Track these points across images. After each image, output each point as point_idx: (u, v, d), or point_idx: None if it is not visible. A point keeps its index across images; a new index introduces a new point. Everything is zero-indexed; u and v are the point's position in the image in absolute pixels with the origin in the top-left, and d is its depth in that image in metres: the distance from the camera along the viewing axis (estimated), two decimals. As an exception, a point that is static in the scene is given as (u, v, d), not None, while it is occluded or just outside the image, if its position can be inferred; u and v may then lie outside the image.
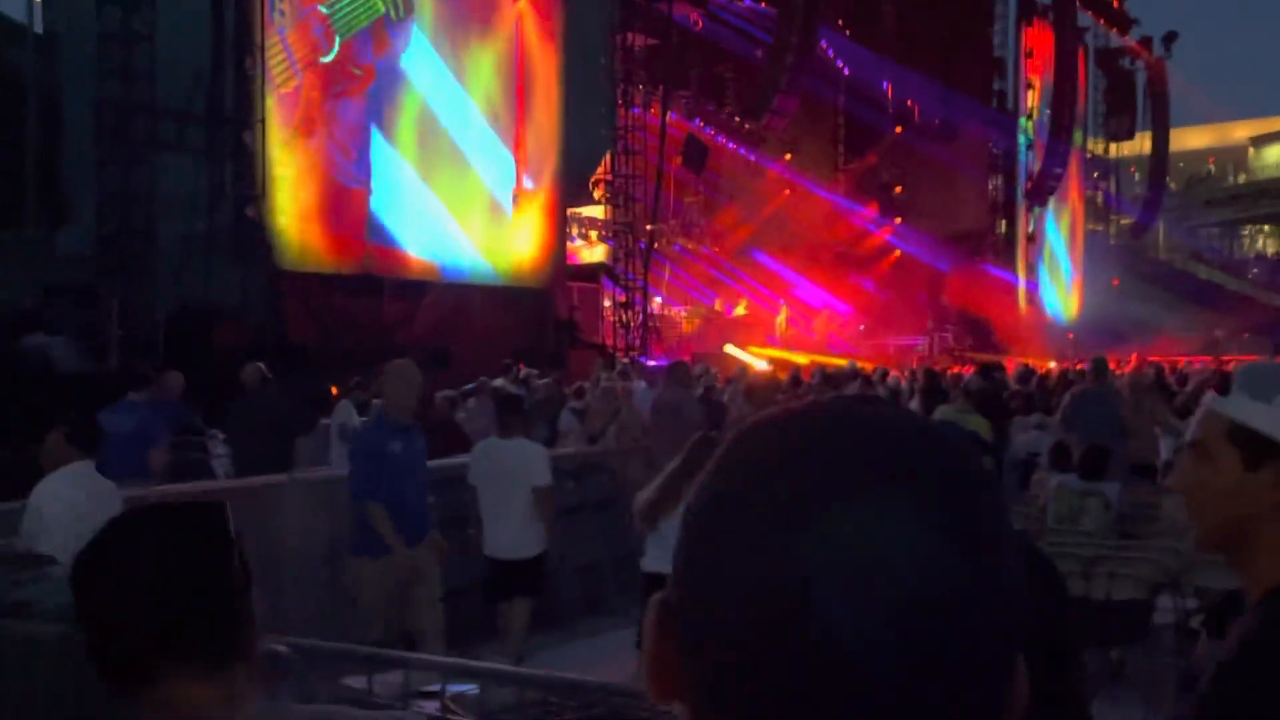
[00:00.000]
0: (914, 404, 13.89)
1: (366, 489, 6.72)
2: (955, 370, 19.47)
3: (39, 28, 18.92)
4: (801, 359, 23.89)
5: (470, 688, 4.36)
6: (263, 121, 17.22)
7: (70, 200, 18.13)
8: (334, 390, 14.79)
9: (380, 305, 19.65)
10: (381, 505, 6.64)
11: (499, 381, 13.96)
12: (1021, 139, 40.71)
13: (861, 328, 33.78)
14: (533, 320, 22.27)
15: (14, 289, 15.01)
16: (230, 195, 17.13)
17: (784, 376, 15.47)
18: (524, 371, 15.43)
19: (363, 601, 6.83)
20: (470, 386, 13.82)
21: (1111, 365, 12.71)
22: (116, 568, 1.50)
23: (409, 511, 6.81)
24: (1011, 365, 20.01)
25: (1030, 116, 40.93)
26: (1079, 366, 20.26)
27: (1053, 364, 26.20)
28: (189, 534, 1.53)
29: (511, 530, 7.53)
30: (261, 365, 10.50)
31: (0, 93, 18.21)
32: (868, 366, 18.79)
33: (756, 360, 24.13)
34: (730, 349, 26.53)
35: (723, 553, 0.59)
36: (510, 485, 7.50)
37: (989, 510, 0.60)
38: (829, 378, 14.28)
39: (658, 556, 6.52)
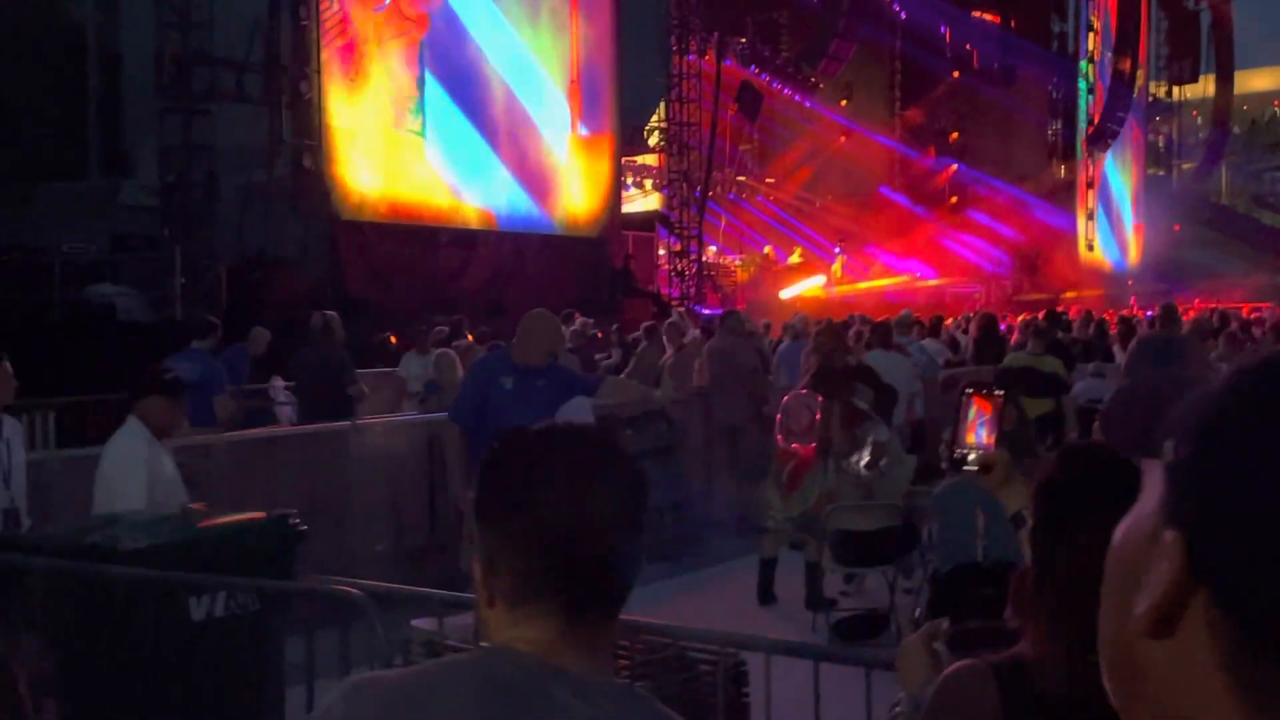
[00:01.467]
0: (969, 351, 13.83)
1: (459, 413, 6.45)
2: (1012, 319, 19.27)
3: (99, -20, 19.07)
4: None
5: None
6: (319, 71, 17.29)
7: (133, 152, 18.35)
8: (393, 339, 14.94)
9: (436, 255, 19.75)
10: (457, 432, 6.36)
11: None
12: (1082, 83, 39.96)
13: (917, 275, 33.49)
14: (587, 269, 22.29)
15: (80, 239, 15.23)
16: (288, 145, 17.24)
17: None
18: (580, 322, 15.49)
19: (465, 531, 6.77)
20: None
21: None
22: (567, 482, 1.43)
23: None
24: (1072, 313, 19.80)
25: (1091, 60, 40.16)
26: (1139, 314, 20.04)
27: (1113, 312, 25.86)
28: (625, 464, 1.47)
29: None
30: (328, 313, 10.60)
31: (62, 47, 18.40)
32: (924, 315, 18.65)
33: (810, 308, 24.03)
34: (785, 295, 26.44)
35: None
36: None
37: None
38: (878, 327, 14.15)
39: None
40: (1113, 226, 42.97)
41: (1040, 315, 16.48)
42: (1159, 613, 0.65)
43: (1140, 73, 42.90)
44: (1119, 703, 0.70)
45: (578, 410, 7.66)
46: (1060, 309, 21.14)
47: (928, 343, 13.45)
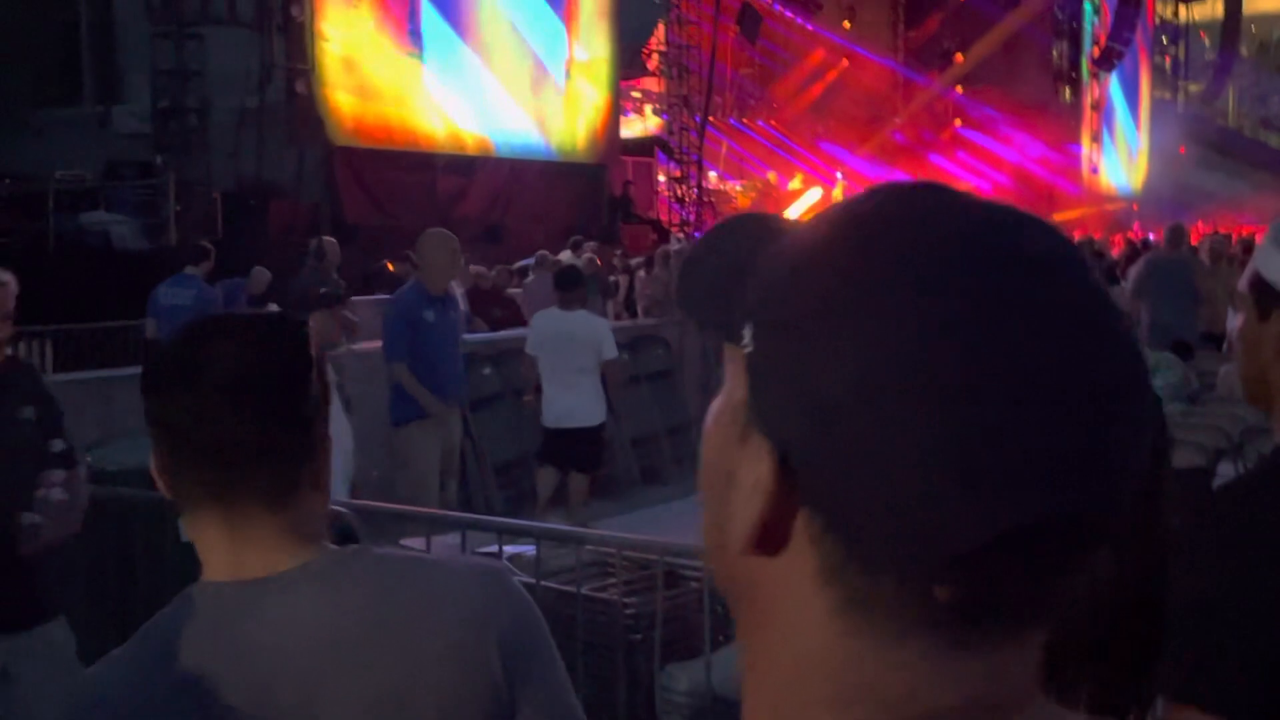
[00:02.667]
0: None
1: (397, 353, 6.90)
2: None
3: (88, -97, 18.75)
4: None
5: (528, 548, 4.42)
6: (311, -4, 17.06)
7: (125, 77, 18.15)
8: (390, 266, 14.86)
9: (434, 181, 19.61)
10: (406, 368, 6.83)
11: (565, 255, 13.90)
12: (1088, 3, 39.41)
13: (920, 200, 33.29)
14: (586, 195, 22.14)
15: (74, 166, 15.12)
16: (281, 70, 17.04)
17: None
18: (589, 249, 15.40)
19: (414, 468, 6.93)
20: (529, 261, 13.80)
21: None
22: (192, 371, 1.39)
23: (442, 378, 6.96)
24: (1076, 235, 19.68)
25: (1098, -21, 39.59)
26: (1140, 237, 19.92)
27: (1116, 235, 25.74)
28: (269, 342, 1.43)
29: (574, 399, 7.58)
30: (328, 240, 10.54)
31: (51, -29, 18.15)
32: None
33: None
34: (787, 219, 26.26)
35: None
36: (574, 355, 7.54)
37: None
38: None
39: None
40: (1117, 149, 42.62)
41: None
42: (759, 529, 0.59)
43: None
44: (730, 606, 0.64)
45: (602, 333, 7.76)
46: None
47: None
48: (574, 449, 7.64)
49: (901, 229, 0.58)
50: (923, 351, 0.54)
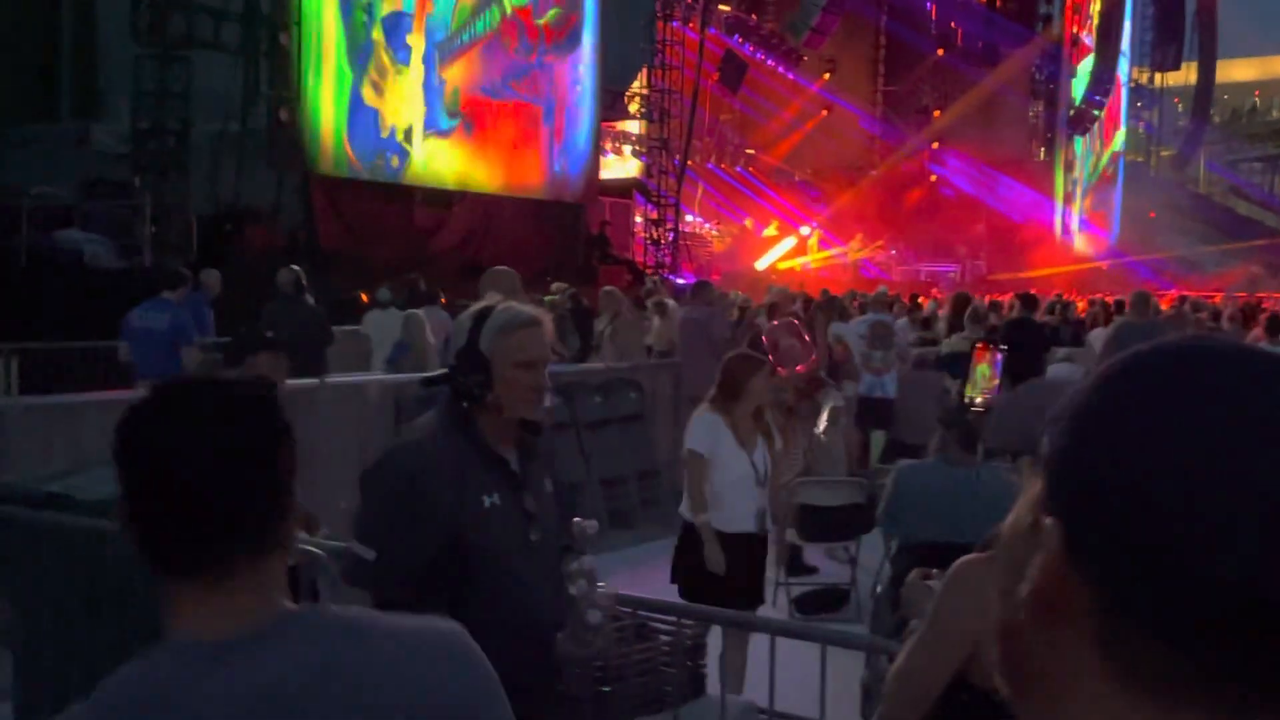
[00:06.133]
0: (942, 326, 13.87)
1: None
2: (989, 298, 19.34)
3: (77, -80, 18.75)
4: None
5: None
6: (299, 23, 17.06)
7: (106, 95, 18.09)
8: (363, 297, 14.82)
9: (411, 213, 19.60)
10: None
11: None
12: (1065, 66, 39.97)
13: (894, 252, 33.53)
14: (564, 233, 22.18)
15: (49, 182, 15.01)
16: (265, 96, 17.03)
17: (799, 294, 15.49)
18: (556, 286, 15.41)
19: None
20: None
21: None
22: (164, 436, 1.41)
23: None
24: (1045, 295, 19.86)
25: (1075, 43, 40.16)
26: (1109, 299, 20.10)
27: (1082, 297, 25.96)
28: (241, 408, 1.45)
29: None
30: (298, 269, 10.51)
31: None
32: (899, 292, 18.66)
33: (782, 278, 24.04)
34: (760, 265, 26.43)
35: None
36: None
37: None
38: (826, 302, 14.10)
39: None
40: (1088, 211, 43.09)
41: (1007, 298, 16.56)
42: (1041, 596, 0.68)
43: (1123, 59, 42.94)
44: (1010, 693, 0.72)
45: None
46: (1033, 291, 21.17)
47: (900, 321, 13.46)
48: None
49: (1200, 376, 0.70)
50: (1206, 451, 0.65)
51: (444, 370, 2.95)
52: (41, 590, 4.37)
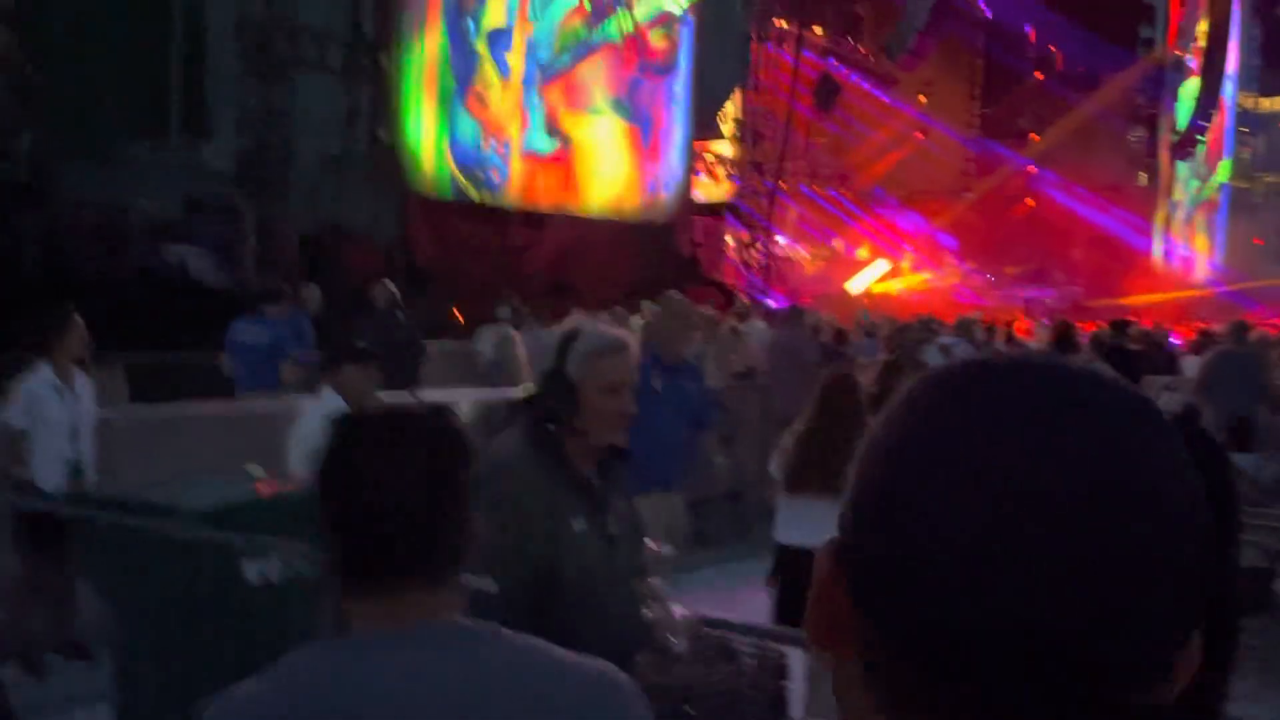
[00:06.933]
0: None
1: None
2: (1087, 327, 19.03)
3: (188, -55, 19.30)
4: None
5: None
6: (400, 44, 17.40)
7: (213, 115, 18.57)
8: (457, 313, 15.04)
9: (506, 233, 19.82)
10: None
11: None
12: (1181, 91, 39.23)
13: (990, 277, 33.11)
14: (655, 254, 22.26)
15: (159, 200, 15.46)
16: (365, 117, 17.38)
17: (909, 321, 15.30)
18: (646, 306, 15.48)
19: None
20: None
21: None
22: (365, 466, 1.52)
23: (664, 454, 6.05)
24: (1145, 323, 19.48)
25: (1179, 66, 39.39)
26: (1212, 326, 19.65)
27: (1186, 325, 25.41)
28: (437, 437, 1.56)
29: None
30: (390, 284, 10.70)
31: (147, 9, 18.65)
32: (993, 318, 18.42)
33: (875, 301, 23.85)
34: (852, 287, 26.27)
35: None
36: None
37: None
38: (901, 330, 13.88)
39: (797, 528, 5.76)
40: (1193, 237, 42.17)
41: (1105, 325, 16.27)
42: (819, 620, 0.66)
43: (1229, 83, 42.02)
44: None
45: None
46: (1131, 318, 20.80)
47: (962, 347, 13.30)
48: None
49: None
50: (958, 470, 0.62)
51: (533, 391, 2.98)
52: (141, 597, 4.51)
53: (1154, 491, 0.60)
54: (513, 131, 19.74)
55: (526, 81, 19.85)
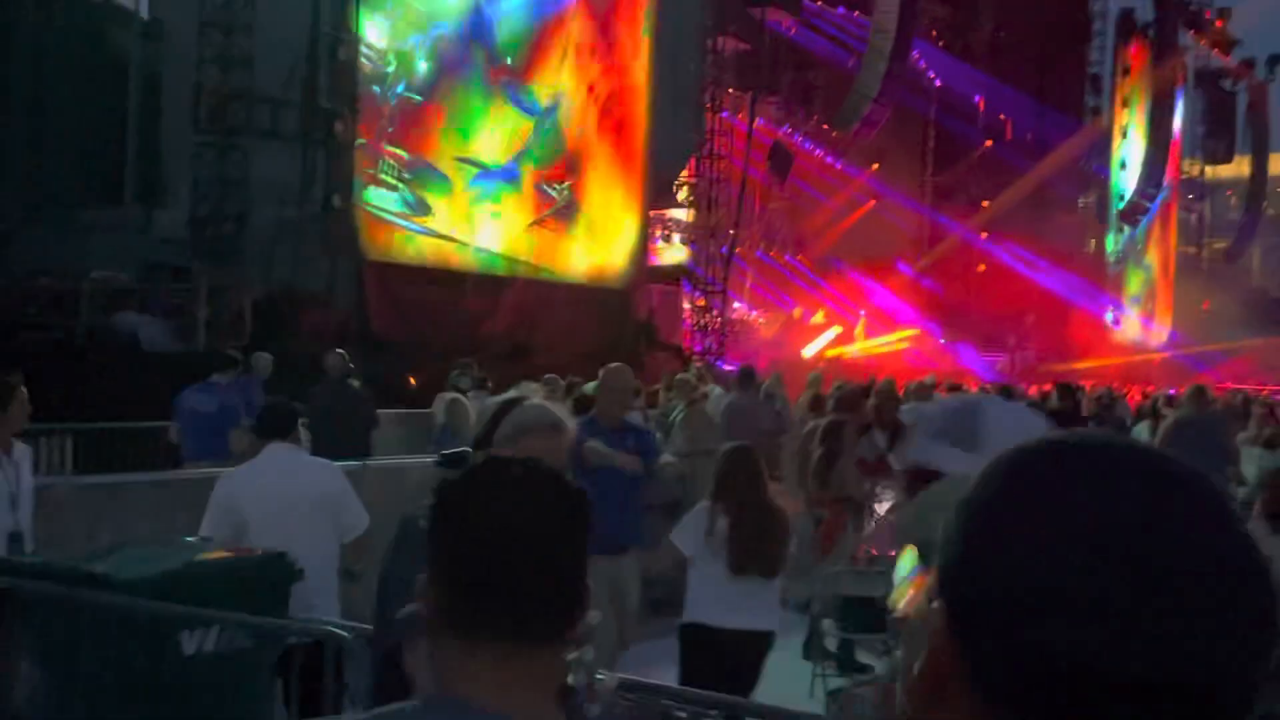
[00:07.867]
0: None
1: None
2: (1034, 389, 19.21)
3: (145, 13, 19.41)
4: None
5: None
6: (355, 113, 17.49)
7: (168, 182, 18.57)
8: (412, 380, 14.99)
9: (462, 298, 19.84)
10: None
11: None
12: (1115, 158, 40.00)
13: (942, 341, 33.43)
14: (612, 319, 22.33)
15: (112, 265, 15.40)
16: (321, 184, 17.42)
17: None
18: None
19: None
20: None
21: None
22: (491, 513, 1.47)
23: (611, 518, 5.98)
24: (1091, 387, 19.69)
25: (1125, 135, 40.22)
26: (1152, 390, 19.93)
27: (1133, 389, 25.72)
28: (555, 498, 1.51)
29: None
30: (343, 353, 10.67)
31: (106, 74, 18.69)
32: (947, 380, 18.52)
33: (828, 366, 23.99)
34: (807, 352, 26.43)
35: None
36: None
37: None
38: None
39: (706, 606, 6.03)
40: (1140, 302, 42.82)
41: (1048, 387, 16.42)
42: (927, 682, 0.73)
43: (1174, 151, 42.93)
44: None
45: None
46: (1083, 382, 21.01)
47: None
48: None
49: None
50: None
51: (458, 452, 3.00)
52: (76, 669, 4.44)
53: (1260, 568, 0.71)
54: (466, 198, 19.83)
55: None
